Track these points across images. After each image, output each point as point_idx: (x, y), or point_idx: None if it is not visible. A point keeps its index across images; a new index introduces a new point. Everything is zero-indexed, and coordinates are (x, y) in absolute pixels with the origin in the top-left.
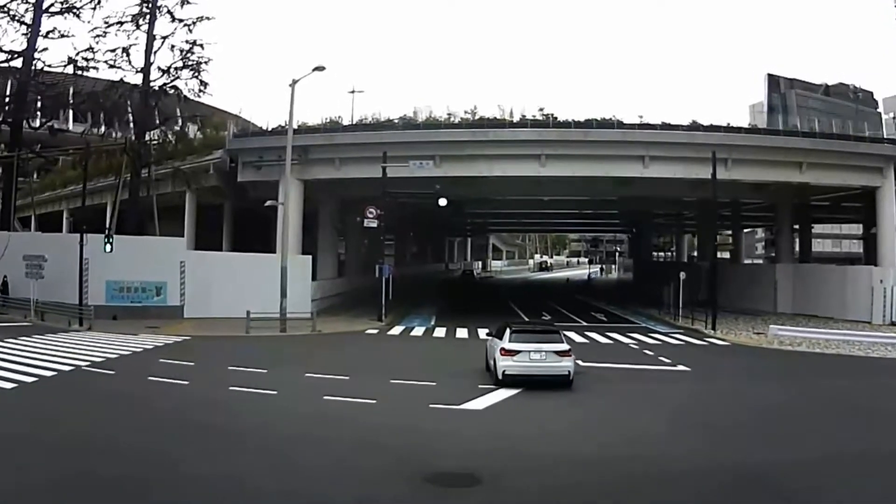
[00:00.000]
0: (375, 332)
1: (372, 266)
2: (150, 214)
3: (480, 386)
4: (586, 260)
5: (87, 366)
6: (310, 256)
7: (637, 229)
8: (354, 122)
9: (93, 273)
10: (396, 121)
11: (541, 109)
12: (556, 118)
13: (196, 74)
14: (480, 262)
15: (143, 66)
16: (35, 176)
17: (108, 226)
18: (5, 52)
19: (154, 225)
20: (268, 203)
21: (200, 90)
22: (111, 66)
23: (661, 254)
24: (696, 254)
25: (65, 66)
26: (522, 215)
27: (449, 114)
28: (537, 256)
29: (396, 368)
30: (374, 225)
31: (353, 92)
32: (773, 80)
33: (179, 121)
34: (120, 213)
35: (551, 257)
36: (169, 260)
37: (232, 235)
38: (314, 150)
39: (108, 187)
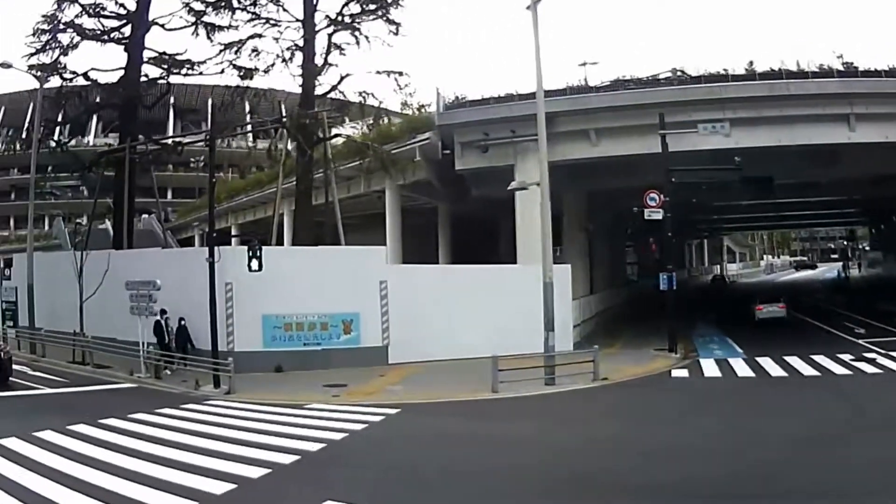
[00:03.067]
0: (684, 373)
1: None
2: (330, 225)
3: None
4: (835, 257)
5: None
6: (568, 266)
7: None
8: (612, 80)
9: (241, 304)
10: (664, 77)
11: (839, 57)
12: (856, 67)
13: (384, 13)
14: (717, 266)
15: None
16: (198, 194)
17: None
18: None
19: (339, 236)
20: (512, 186)
21: (392, 32)
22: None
23: None
24: None
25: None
26: (755, 208)
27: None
28: (767, 257)
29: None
30: (659, 216)
31: (584, 64)
32: None
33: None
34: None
35: (776, 257)
36: (362, 279)
37: (448, 247)
38: (560, 121)
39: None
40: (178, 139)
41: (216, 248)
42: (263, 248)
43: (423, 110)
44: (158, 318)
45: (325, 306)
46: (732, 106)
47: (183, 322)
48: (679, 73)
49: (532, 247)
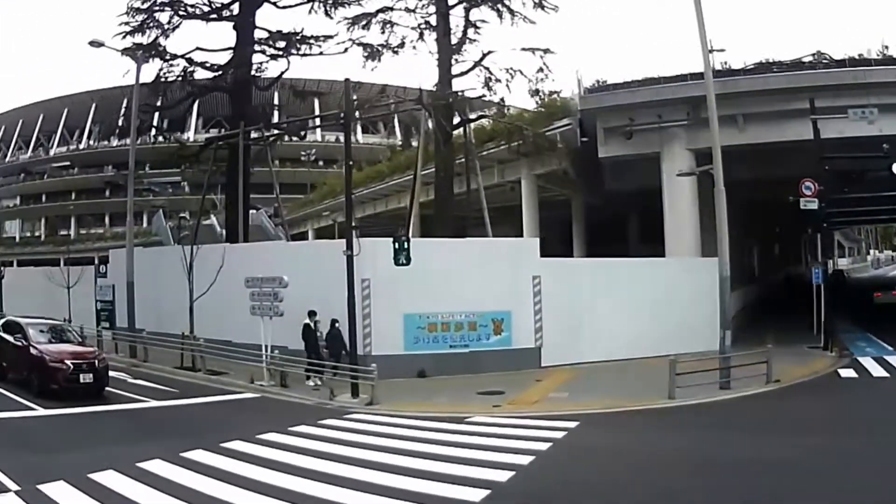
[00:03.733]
0: (851, 373)
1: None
2: (472, 216)
3: None
4: None
5: None
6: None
7: None
8: (756, 64)
9: (379, 302)
10: (807, 60)
11: None
12: None
13: None
14: (829, 261)
15: None
16: (310, 189)
17: (405, 230)
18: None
19: (486, 227)
20: (681, 172)
21: (536, 4)
22: None
23: None
24: None
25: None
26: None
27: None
28: (874, 251)
29: None
30: (815, 206)
31: (712, 51)
32: None
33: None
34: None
35: (881, 251)
36: (514, 274)
37: (583, 241)
38: (706, 105)
39: (399, 189)
40: (297, 121)
41: (356, 239)
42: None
43: (555, 96)
44: (308, 320)
45: (473, 304)
46: (877, 91)
47: (337, 325)
48: (824, 57)
49: (682, 239)
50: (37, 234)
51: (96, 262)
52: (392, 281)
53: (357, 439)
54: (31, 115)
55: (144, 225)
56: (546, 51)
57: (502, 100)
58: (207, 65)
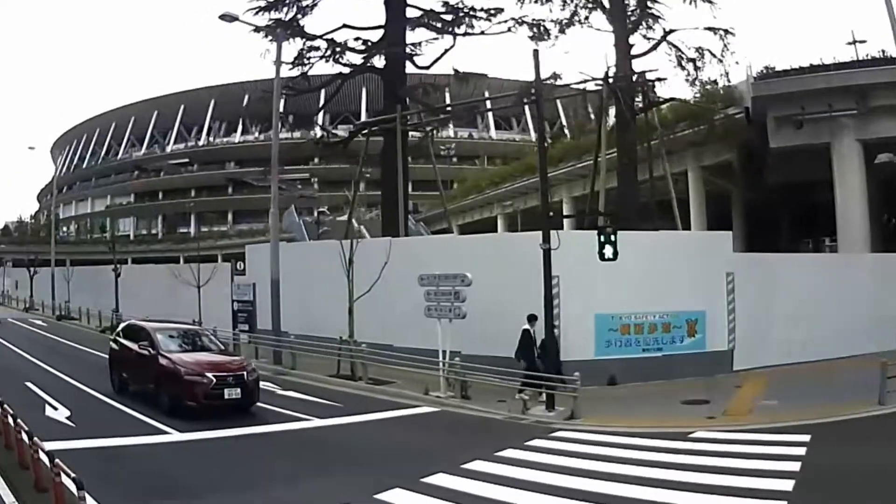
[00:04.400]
0: None
1: None
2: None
3: None
4: None
5: None
6: None
7: None
8: None
9: (569, 302)
10: None
11: None
12: None
13: None
14: None
15: None
16: (448, 186)
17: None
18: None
19: (675, 219)
20: (881, 158)
21: None
22: None
23: None
24: None
25: None
26: None
27: None
28: None
29: None
30: None
31: (852, 43)
32: None
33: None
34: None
35: None
36: (706, 270)
37: (743, 237)
38: (877, 94)
39: (570, 178)
40: (466, 105)
41: (552, 231)
42: (584, 232)
43: (718, 84)
44: (527, 326)
45: (666, 303)
46: None
47: (556, 329)
48: None
49: (851, 234)
50: (153, 231)
51: (219, 259)
52: (583, 278)
53: (580, 465)
54: (144, 112)
55: (270, 221)
56: (727, 31)
57: (694, 81)
58: (353, 45)
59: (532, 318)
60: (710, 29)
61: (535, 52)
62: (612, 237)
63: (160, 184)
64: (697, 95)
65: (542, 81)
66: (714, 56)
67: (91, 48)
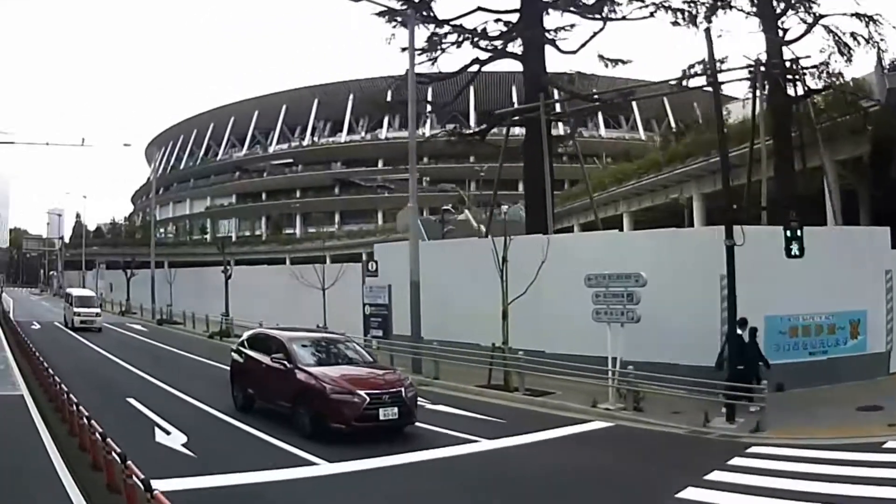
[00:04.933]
0: None
1: None
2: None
3: None
4: None
5: None
6: None
7: None
8: None
9: (739, 302)
10: None
11: None
12: None
13: None
14: None
15: None
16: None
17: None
18: None
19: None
20: None
21: None
22: None
23: None
24: None
25: None
26: None
27: None
28: None
29: None
30: None
31: None
32: None
33: None
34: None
35: None
36: (864, 268)
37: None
38: None
39: (700, 174)
40: (621, 92)
41: (737, 227)
42: (746, 228)
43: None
44: (740, 331)
45: (830, 303)
46: None
47: (756, 333)
48: None
49: None
50: (256, 233)
51: (328, 260)
52: (752, 277)
53: (795, 487)
54: (244, 112)
55: (380, 222)
56: (871, 19)
57: (840, 73)
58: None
59: (743, 323)
60: (857, 15)
61: (707, 30)
62: (799, 233)
63: (263, 184)
64: (826, 85)
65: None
66: (868, 42)
67: (185, 50)
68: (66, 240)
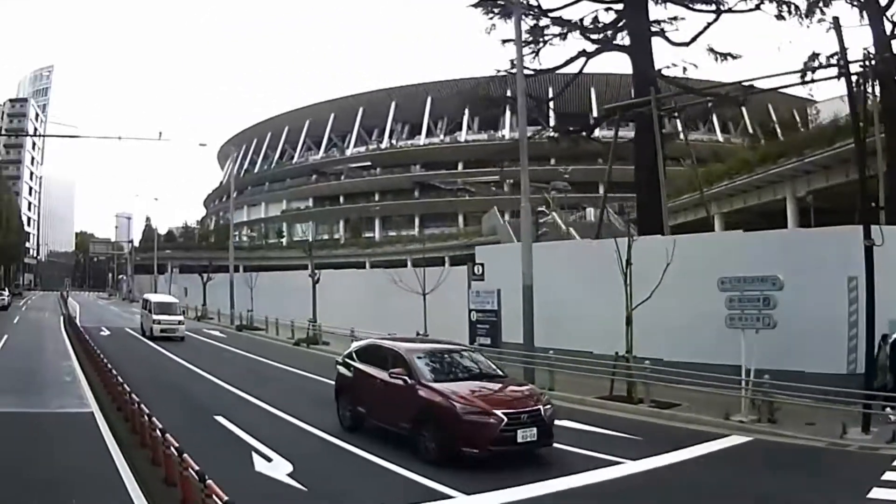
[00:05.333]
0: None
1: None
2: None
3: None
4: None
5: None
6: None
7: None
8: None
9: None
10: None
11: None
12: None
13: None
14: None
15: None
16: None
17: None
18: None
19: None
20: None
21: None
22: None
23: None
24: None
25: None
26: None
27: None
28: None
29: None
30: None
31: None
32: None
33: None
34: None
35: None
36: None
37: None
38: None
39: (795, 174)
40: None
41: (875, 227)
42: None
43: None
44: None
45: None
46: None
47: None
48: None
49: None
50: (335, 236)
51: (409, 264)
52: (881, 280)
53: None
54: (320, 115)
55: (460, 226)
56: None
57: None
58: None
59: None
60: None
61: (836, 18)
62: None
63: (341, 187)
64: None
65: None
66: None
67: (258, 54)
68: (136, 243)
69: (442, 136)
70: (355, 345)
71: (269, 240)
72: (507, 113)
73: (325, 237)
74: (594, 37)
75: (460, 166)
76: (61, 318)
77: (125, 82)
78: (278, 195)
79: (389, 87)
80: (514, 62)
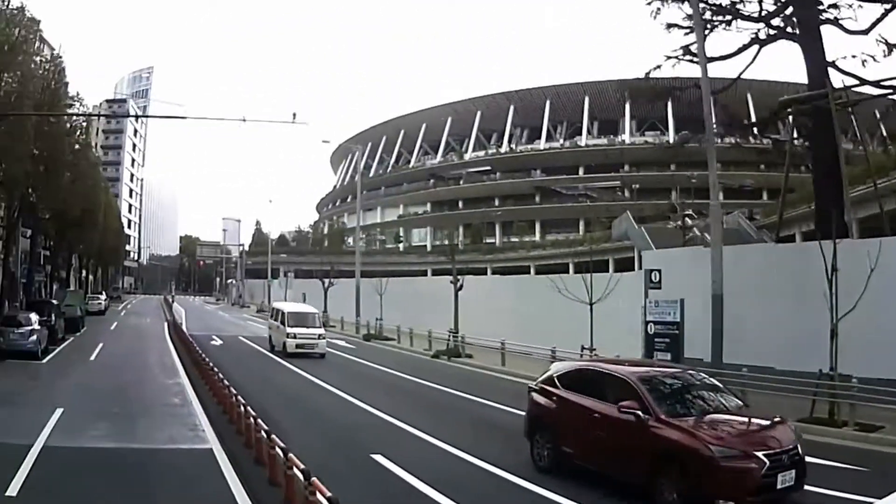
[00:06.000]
0: None
1: None
2: None
3: None
4: None
5: None
6: None
7: None
8: None
9: None
10: None
11: None
12: None
13: None
14: None
15: None
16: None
17: None
18: None
19: None
20: None
21: None
22: None
23: None
24: None
25: None
26: None
27: None
28: None
29: None
30: None
31: None
32: None
33: None
34: None
35: None
36: None
37: None
38: None
39: None
40: None
41: None
42: None
43: None
44: None
45: None
46: None
47: None
48: None
49: None
50: (455, 242)
51: (532, 270)
52: None
53: None
54: (436, 118)
55: (580, 232)
56: None
57: None
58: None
59: None
60: None
61: None
62: None
63: (460, 192)
64: None
65: None
66: None
67: (369, 58)
68: (246, 248)
69: (562, 141)
70: (556, 367)
71: (387, 244)
72: (627, 116)
73: (441, 243)
74: (756, 26)
75: (580, 171)
76: (165, 325)
77: (228, 86)
78: (395, 199)
79: (507, 91)
80: (695, 48)
